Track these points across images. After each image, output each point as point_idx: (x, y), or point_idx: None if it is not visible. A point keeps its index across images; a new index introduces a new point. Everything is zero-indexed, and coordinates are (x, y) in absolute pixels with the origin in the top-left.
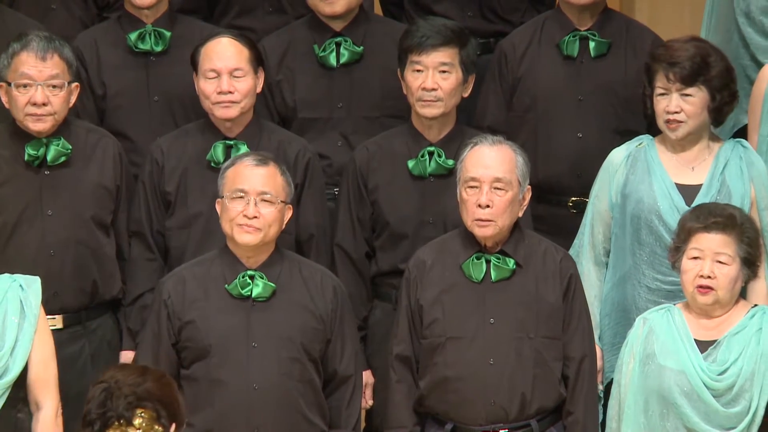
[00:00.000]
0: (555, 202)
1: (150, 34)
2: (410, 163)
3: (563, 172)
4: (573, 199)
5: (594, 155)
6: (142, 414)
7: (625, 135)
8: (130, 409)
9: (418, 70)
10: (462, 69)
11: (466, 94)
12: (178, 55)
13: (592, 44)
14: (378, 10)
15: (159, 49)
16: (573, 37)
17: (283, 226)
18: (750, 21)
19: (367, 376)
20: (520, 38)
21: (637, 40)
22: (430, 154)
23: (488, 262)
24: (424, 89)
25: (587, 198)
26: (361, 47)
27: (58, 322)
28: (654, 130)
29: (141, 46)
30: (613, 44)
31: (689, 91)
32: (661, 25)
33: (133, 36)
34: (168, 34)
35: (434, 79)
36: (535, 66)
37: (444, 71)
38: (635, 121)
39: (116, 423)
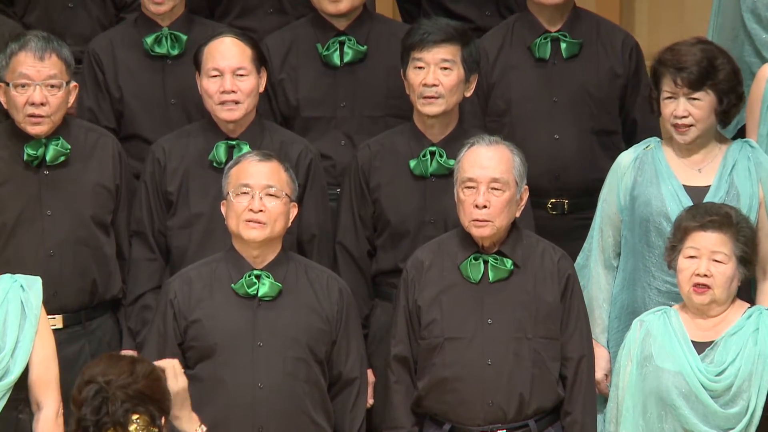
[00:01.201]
0: (534, 205)
1: (166, 38)
2: (412, 163)
3: (541, 174)
4: (552, 200)
5: (571, 156)
6: (138, 420)
7: (601, 135)
8: (126, 416)
9: (420, 67)
10: (464, 67)
11: (468, 94)
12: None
13: (563, 45)
14: (385, 9)
15: (175, 52)
16: (544, 39)
17: (289, 224)
18: (756, 17)
19: (368, 375)
20: (490, 43)
21: (608, 38)
22: (432, 154)
23: (486, 262)
24: (425, 85)
25: (565, 199)
26: (365, 46)
27: (58, 322)
28: (627, 129)
29: (157, 49)
30: (585, 44)
31: (697, 95)
32: (661, 25)
33: (149, 39)
34: (184, 37)
35: (435, 75)
36: (507, 70)
37: (445, 68)
38: (611, 120)
39: (112, 429)
